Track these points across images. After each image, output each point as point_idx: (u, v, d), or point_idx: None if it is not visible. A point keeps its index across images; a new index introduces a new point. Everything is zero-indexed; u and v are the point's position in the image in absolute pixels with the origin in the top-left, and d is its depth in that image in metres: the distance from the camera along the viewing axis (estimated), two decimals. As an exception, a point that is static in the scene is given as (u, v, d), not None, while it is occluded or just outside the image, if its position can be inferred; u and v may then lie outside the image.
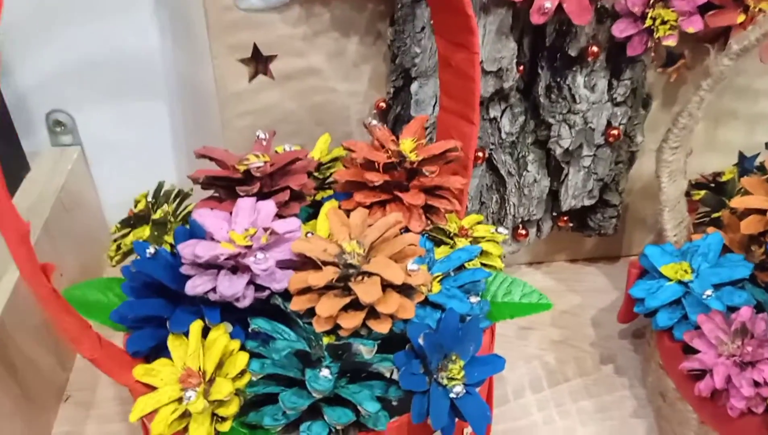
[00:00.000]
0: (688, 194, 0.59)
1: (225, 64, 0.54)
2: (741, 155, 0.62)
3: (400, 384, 0.35)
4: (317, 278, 0.35)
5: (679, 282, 0.48)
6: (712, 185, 0.58)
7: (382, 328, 0.35)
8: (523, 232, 0.61)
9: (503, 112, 0.55)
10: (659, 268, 0.50)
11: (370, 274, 0.36)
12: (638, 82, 0.55)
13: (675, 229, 0.54)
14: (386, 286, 0.36)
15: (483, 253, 0.45)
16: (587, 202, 0.59)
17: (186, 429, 0.34)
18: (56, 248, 0.58)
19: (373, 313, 0.36)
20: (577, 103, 0.54)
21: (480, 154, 0.56)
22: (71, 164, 0.64)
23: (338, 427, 0.34)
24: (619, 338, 0.60)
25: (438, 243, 0.44)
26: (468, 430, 0.42)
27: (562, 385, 0.56)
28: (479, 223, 0.46)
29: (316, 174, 0.51)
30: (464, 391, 0.36)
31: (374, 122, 0.45)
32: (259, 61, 0.54)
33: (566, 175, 0.58)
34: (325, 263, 0.36)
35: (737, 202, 0.52)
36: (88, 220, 0.65)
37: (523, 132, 0.57)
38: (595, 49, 0.51)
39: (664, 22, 0.49)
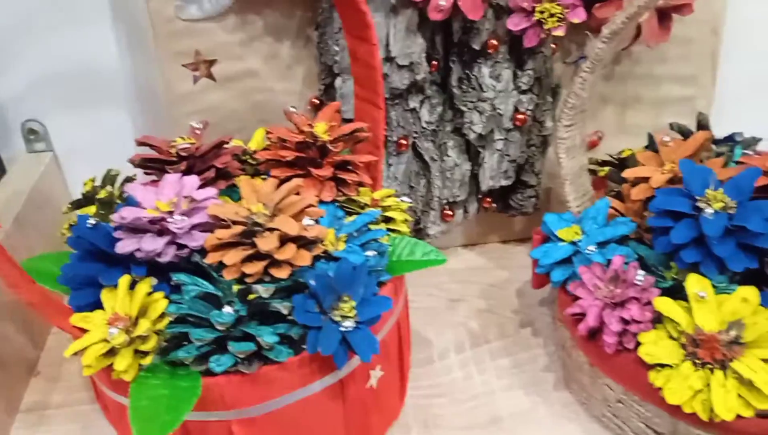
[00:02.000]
0: (594, 172, 0.65)
1: (171, 69, 0.61)
2: (650, 136, 0.68)
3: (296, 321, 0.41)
4: (224, 233, 0.41)
5: (571, 243, 0.54)
6: (616, 162, 0.64)
7: (281, 273, 0.41)
8: (450, 212, 0.67)
9: (422, 103, 0.62)
10: (555, 232, 0.56)
11: (272, 230, 0.42)
12: (542, 72, 0.62)
13: (578, 201, 0.60)
14: (287, 239, 0.42)
15: (390, 220, 0.51)
16: (504, 183, 0.65)
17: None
18: (27, 239, 0.64)
19: (275, 262, 0.42)
20: (484, 92, 0.60)
21: (404, 141, 0.63)
22: (44, 167, 0.71)
23: (241, 356, 0.40)
24: (539, 306, 0.66)
25: (350, 212, 0.51)
26: (374, 372, 0.48)
27: (483, 347, 0.61)
28: (389, 196, 0.53)
29: (251, 161, 0.57)
30: (354, 325, 0.42)
31: (292, 109, 0.52)
32: (202, 66, 0.61)
33: (483, 158, 0.64)
34: (235, 223, 0.43)
35: (628, 173, 0.57)
36: (58, 216, 0.72)
37: (442, 121, 0.64)
38: (494, 42, 0.58)
39: (552, 15, 0.56)
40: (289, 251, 0.41)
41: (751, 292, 0.45)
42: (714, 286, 0.48)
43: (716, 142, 0.63)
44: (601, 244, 0.53)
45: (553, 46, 0.61)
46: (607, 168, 0.64)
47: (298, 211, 0.43)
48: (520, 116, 0.62)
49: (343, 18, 0.51)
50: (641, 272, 0.48)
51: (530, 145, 0.65)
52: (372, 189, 0.54)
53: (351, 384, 0.46)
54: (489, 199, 0.68)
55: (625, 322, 0.47)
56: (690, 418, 0.45)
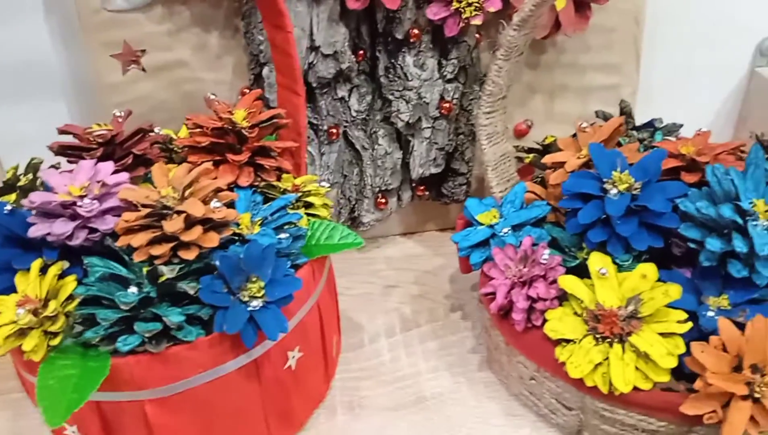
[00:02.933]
0: (522, 159, 0.67)
1: (100, 59, 0.61)
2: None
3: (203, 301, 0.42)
4: (131, 216, 0.42)
5: (489, 226, 0.56)
6: (541, 149, 0.66)
7: (189, 255, 0.42)
8: (383, 200, 0.68)
9: (350, 92, 0.63)
10: (476, 216, 0.57)
11: (180, 213, 0.43)
12: (467, 62, 0.63)
13: (501, 186, 0.61)
14: (195, 222, 0.43)
15: (311, 205, 0.52)
16: (434, 170, 0.67)
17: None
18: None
19: (183, 244, 0.43)
20: (409, 81, 0.62)
21: (334, 130, 0.64)
22: (-18, 159, 0.71)
23: (147, 335, 0.41)
24: (470, 290, 0.67)
25: (270, 197, 0.52)
26: (292, 353, 0.49)
27: (413, 331, 0.63)
28: (311, 181, 0.54)
29: (177, 150, 0.58)
30: (261, 305, 0.43)
31: (212, 96, 0.53)
32: (130, 56, 0.62)
33: (412, 146, 0.65)
34: (145, 206, 0.43)
35: (547, 158, 0.59)
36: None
37: (372, 110, 0.65)
38: (416, 31, 0.59)
39: (470, 4, 0.57)
40: (194, 233, 0.42)
41: (649, 269, 0.47)
42: (619, 265, 0.50)
43: (637, 128, 0.65)
44: (517, 227, 0.55)
45: (478, 36, 0.63)
46: (532, 155, 0.65)
47: (207, 194, 0.44)
48: (446, 105, 0.63)
49: (260, 7, 0.52)
50: (547, 252, 0.50)
51: (459, 134, 0.66)
52: (295, 174, 0.55)
53: (267, 364, 0.47)
54: (422, 188, 0.69)
55: (532, 299, 0.49)
56: (593, 391, 0.46)
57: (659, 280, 0.49)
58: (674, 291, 0.45)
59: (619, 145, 0.62)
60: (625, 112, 0.66)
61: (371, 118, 0.65)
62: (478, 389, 0.56)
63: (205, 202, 0.44)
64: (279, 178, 0.53)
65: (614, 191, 0.50)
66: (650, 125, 0.64)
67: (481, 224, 0.56)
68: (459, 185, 0.69)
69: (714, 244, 0.47)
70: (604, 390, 0.45)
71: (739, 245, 0.46)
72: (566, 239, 0.54)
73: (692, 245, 0.49)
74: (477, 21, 0.58)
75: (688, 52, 0.77)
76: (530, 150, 0.66)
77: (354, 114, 0.64)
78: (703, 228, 0.49)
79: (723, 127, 0.83)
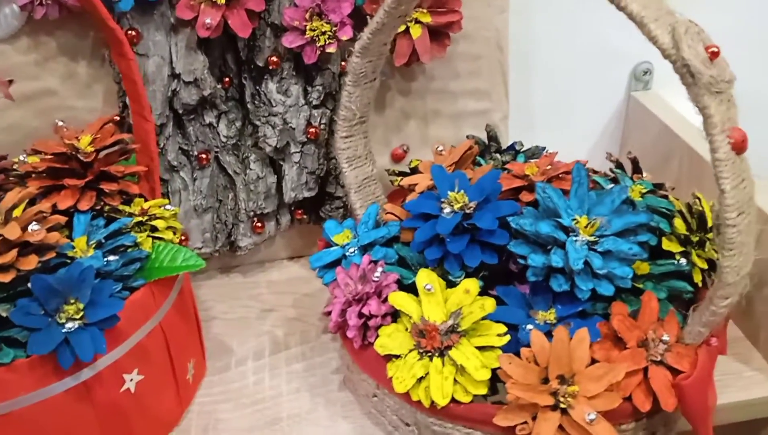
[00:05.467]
0: (393, 182, 0.68)
1: (-33, 88, 0.62)
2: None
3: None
4: (-55, 239, 0.43)
5: (342, 246, 0.57)
6: (409, 172, 0.67)
7: (5, 278, 0.43)
8: (260, 224, 0.69)
9: (218, 118, 0.64)
10: (332, 237, 0.58)
11: (-1, 236, 0.44)
12: (333, 88, 0.65)
13: (365, 208, 0.62)
14: (13, 245, 0.44)
15: (155, 229, 0.53)
16: (307, 194, 0.68)
17: None
18: None
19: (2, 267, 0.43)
20: (274, 107, 0.63)
21: (204, 155, 0.65)
22: None
23: (-46, 358, 0.41)
24: (344, 312, 0.68)
25: (111, 220, 0.52)
26: (130, 375, 0.49)
27: (282, 353, 0.63)
28: (158, 205, 0.54)
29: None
30: (77, 326, 0.43)
31: (60, 123, 0.54)
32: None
33: (284, 170, 0.67)
34: (-34, 230, 0.44)
35: (404, 181, 0.61)
36: None
37: (243, 135, 0.66)
38: (275, 59, 0.61)
39: (323, 33, 0.59)
40: (9, 256, 0.42)
41: (471, 284, 0.48)
42: (452, 281, 0.51)
43: (501, 151, 0.67)
44: (368, 247, 0.56)
45: (343, 63, 0.65)
46: (400, 178, 0.67)
47: (30, 217, 0.45)
48: (312, 130, 0.64)
49: (105, 36, 0.53)
50: (380, 269, 0.51)
51: (331, 158, 0.68)
52: (150, 198, 0.56)
53: (99, 387, 0.47)
54: (300, 211, 0.70)
55: (365, 317, 0.50)
56: (419, 405, 0.47)
57: (496, 296, 0.51)
58: (489, 305, 0.47)
59: (479, 166, 0.64)
60: (491, 136, 0.68)
61: (243, 143, 0.66)
62: (335, 409, 0.57)
63: (26, 224, 0.45)
64: (128, 202, 0.54)
65: (447, 210, 0.52)
66: (512, 148, 0.66)
67: (336, 245, 0.57)
68: (336, 208, 0.70)
69: (536, 259, 0.49)
70: (425, 403, 0.46)
71: (556, 260, 0.47)
72: (413, 258, 0.55)
73: (522, 262, 0.50)
74: (331, 49, 0.60)
75: (568, 78, 0.80)
76: (400, 173, 0.68)
77: (224, 139, 0.65)
78: (533, 245, 0.50)
79: (607, 150, 0.86)
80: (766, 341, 0.60)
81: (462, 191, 0.52)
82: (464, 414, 0.46)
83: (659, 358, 0.46)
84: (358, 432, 0.55)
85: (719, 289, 0.44)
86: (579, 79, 0.80)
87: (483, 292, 0.51)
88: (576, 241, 0.48)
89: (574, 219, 0.49)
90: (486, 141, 0.69)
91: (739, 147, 0.41)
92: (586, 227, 0.49)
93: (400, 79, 0.69)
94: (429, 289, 0.48)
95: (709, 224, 0.54)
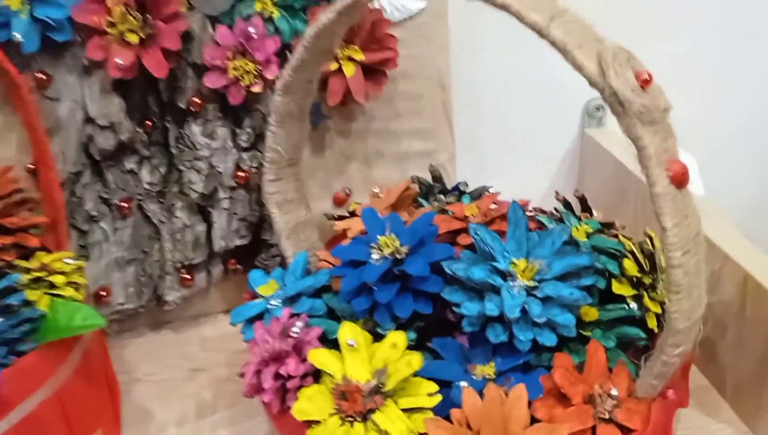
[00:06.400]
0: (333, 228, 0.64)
1: None
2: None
3: None
4: None
5: (266, 298, 0.52)
6: (347, 215, 0.63)
7: None
8: (188, 276, 0.64)
9: (140, 164, 0.60)
10: (257, 289, 0.53)
11: None
12: (264, 130, 0.61)
13: (297, 256, 0.58)
14: None
15: (54, 285, 0.48)
16: (239, 242, 0.63)
17: None
18: None
19: None
20: (199, 150, 0.59)
21: (125, 204, 0.60)
22: None
23: None
24: (280, 370, 0.63)
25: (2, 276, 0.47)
26: None
27: (208, 418, 0.57)
28: (61, 259, 0.50)
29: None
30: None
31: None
32: None
33: (213, 218, 0.62)
34: None
35: (338, 226, 0.57)
36: None
37: (168, 182, 0.62)
38: (197, 100, 0.57)
39: (247, 72, 0.56)
40: None
41: (399, 337, 0.43)
42: (382, 334, 0.46)
43: (446, 192, 0.64)
44: (295, 298, 0.51)
45: (275, 103, 0.61)
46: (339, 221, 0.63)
47: None
48: (242, 174, 0.60)
49: (4, 82, 0.49)
50: (299, 324, 0.46)
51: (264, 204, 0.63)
52: (56, 251, 0.51)
53: (-22, 467, 0.42)
54: (233, 261, 0.65)
55: (283, 378, 0.44)
56: (342, 478, 0.42)
57: (431, 349, 0.46)
58: (416, 361, 0.42)
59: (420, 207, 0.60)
60: (435, 176, 0.65)
61: (168, 190, 0.62)
62: (261, 481, 0.51)
63: None
64: (27, 257, 0.49)
65: (375, 256, 0.47)
66: (456, 189, 0.63)
67: (262, 297, 0.53)
68: (272, 256, 0.65)
69: (470, 307, 0.44)
70: (348, 476, 0.40)
71: (490, 308, 0.43)
72: (343, 309, 0.50)
73: (458, 310, 0.46)
74: (257, 89, 0.56)
75: (519, 116, 0.77)
76: (339, 217, 0.64)
77: (147, 186, 0.60)
78: (468, 291, 0.46)
79: (564, 189, 0.83)
80: (734, 390, 0.55)
81: (393, 235, 0.48)
82: (392, 487, 0.40)
83: (608, 416, 0.41)
84: (284, 508, 0.49)
85: (669, 337, 0.40)
86: (531, 117, 0.78)
87: (418, 345, 0.46)
88: (513, 286, 0.44)
89: (512, 262, 0.45)
90: (431, 182, 0.65)
91: (680, 180, 0.38)
92: (524, 271, 0.44)
93: (338, 120, 0.66)
94: (351, 345, 0.43)
95: (662, 264, 0.50)
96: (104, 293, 0.62)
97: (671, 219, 0.37)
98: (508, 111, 0.76)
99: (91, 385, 0.50)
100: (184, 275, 0.64)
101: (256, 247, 0.65)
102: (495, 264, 0.45)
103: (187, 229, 0.62)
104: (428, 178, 0.66)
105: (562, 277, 0.45)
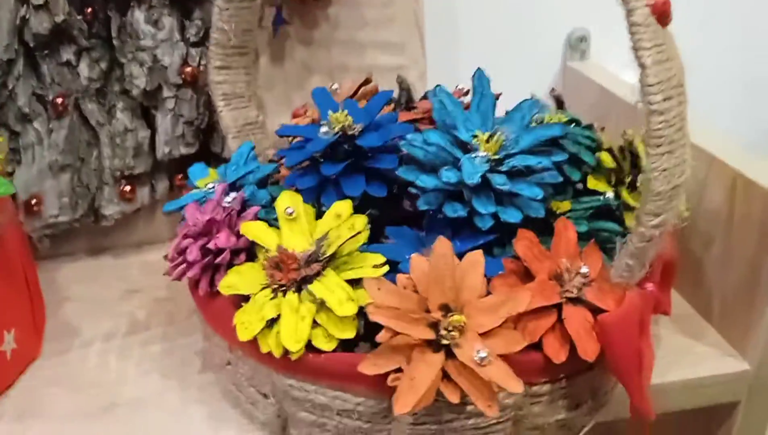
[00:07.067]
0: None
1: None
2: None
3: None
4: None
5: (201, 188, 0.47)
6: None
7: None
8: (128, 188, 0.58)
9: (79, 56, 0.55)
10: (196, 182, 0.48)
11: None
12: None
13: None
14: None
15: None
16: (185, 151, 0.58)
17: None
18: None
19: None
20: (142, 40, 0.54)
21: (60, 100, 0.55)
22: None
23: None
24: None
25: None
26: None
27: (140, 335, 0.51)
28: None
29: None
30: None
31: None
32: None
33: (156, 120, 0.57)
34: None
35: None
36: None
37: (109, 79, 0.56)
38: (141, -19, 0.52)
39: (197, -50, 0.51)
40: None
41: (344, 207, 0.38)
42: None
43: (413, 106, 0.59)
44: (236, 187, 0.46)
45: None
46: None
47: None
48: (188, 69, 0.55)
49: None
50: (233, 194, 0.41)
51: (214, 109, 0.58)
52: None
53: None
54: (180, 176, 0.60)
55: (212, 253, 0.39)
56: (271, 361, 0.36)
57: (384, 237, 0.41)
58: (360, 223, 0.37)
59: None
60: (404, 88, 0.60)
61: (109, 89, 0.56)
62: (189, 393, 0.45)
63: None
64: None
65: (324, 130, 0.42)
66: (424, 97, 0.58)
67: (200, 189, 0.47)
68: (222, 173, 0.60)
69: (427, 181, 0.39)
70: (276, 353, 0.35)
71: (447, 176, 0.38)
72: (289, 198, 0.45)
73: (413, 190, 0.41)
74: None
75: (503, 48, 0.73)
76: (295, 128, 0.59)
77: (85, 82, 0.55)
78: (427, 171, 0.41)
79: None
80: (720, 313, 0.50)
81: (346, 111, 0.43)
82: (326, 367, 0.34)
83: (576, 294, 0.36)
84: (211, 416, 0.43)
85: (648, 202, 0.34)
86: (514, 49, 0.73)
87: (371, 237, 0.41)
88: (475, 157, 0.39)
89: (474, 135, 0.40)
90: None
91: (660, 12, 0.33)
92: (487, 142, 0.39)
93: (300, 27, 0.61)
94: (290, 214, 0.38)
95: (644, 163, 0.45)
96: (35, 202, 0.56)
97: (651, 56, 0.33)
98: (492, 42, 0.72)
99: (4, 278, 0.45)
100: (123, 187, 0.58)
101: (205, 161, 0.60)
102: (456, 133, 0.40)
103: (129, 134, 0.57)
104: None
105: (531, 152, 0.40)
